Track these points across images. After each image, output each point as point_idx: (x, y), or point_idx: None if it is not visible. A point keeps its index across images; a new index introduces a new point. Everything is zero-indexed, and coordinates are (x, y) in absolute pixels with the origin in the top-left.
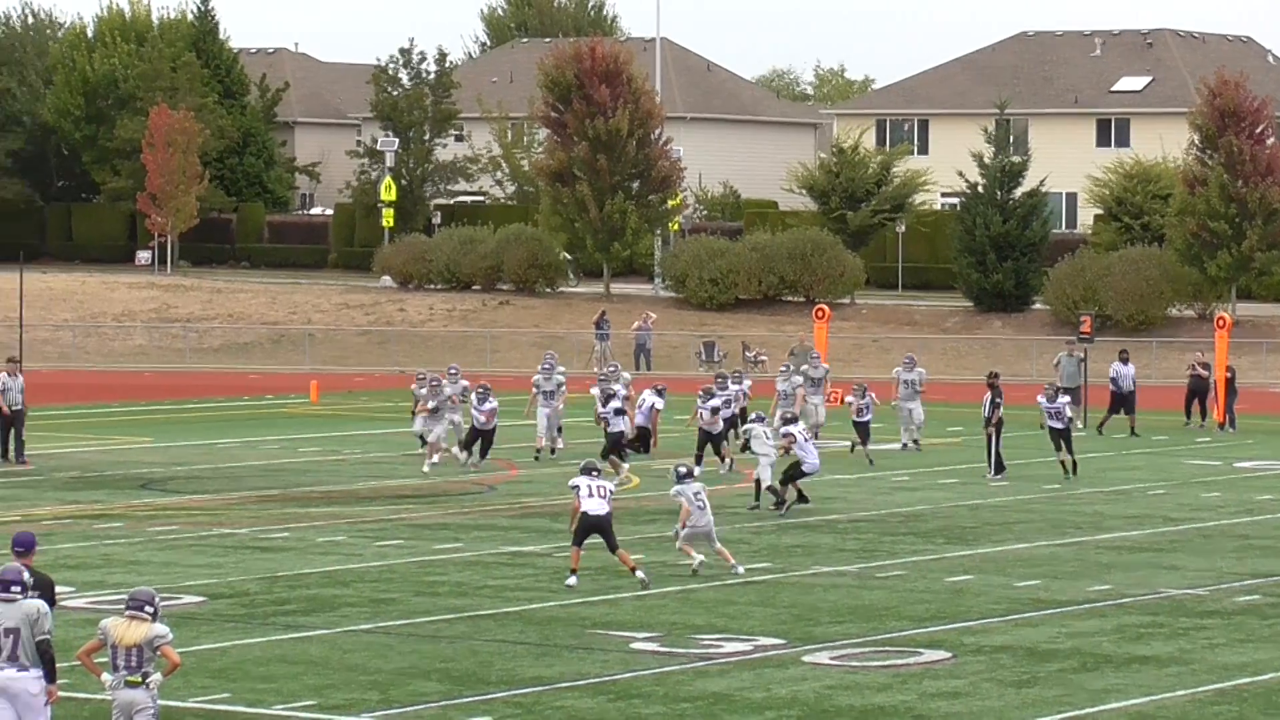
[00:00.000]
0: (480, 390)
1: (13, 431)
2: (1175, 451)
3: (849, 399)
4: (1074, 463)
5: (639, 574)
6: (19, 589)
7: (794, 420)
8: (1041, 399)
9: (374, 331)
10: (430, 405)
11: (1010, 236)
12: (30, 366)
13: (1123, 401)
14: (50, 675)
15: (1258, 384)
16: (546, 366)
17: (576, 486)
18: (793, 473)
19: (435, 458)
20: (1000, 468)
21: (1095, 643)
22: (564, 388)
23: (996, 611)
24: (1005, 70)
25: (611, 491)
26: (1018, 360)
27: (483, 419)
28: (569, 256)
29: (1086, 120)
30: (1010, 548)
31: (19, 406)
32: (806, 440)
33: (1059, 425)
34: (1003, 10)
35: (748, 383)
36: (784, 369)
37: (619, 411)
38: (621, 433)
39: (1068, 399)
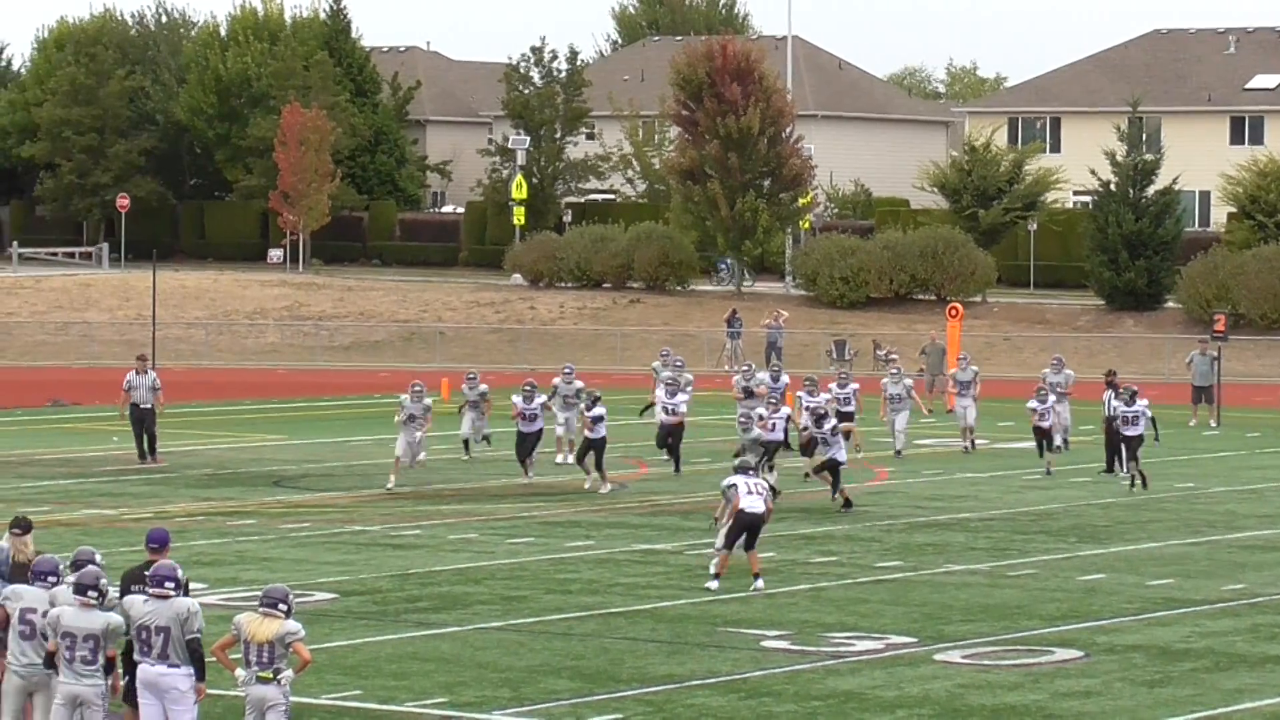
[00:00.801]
0: (590, 397)
1: (145, 429)
2: None
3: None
4: (1144, 477)
5: (759, 581)
6: (173, 585)
7: (825, 416)
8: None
9: (504, 330)
10: (400, 418)
11: (1143, 235)
12: (163, 364)
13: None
14: (199, 673)
15: None
16: (567, 370)
17: (734, 485)
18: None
19: (391, 480)
20: (1111, 468)
21: (1229, 642)
22: (582, 393)
23: (1129, 610)
24: (1138, 68)
25: (771, 490)
26: (1150, 359)
27: (588, 430)
28: (725, 264)
29: (1220, 118)
30: (1143, 546)
31: (148, 405)
32: (834, 436)
33: (1133, 432)
34: (1136, 7)
35: (854, 386)
36: (894, 371)
37: (598, 420)
38: (603, 439)
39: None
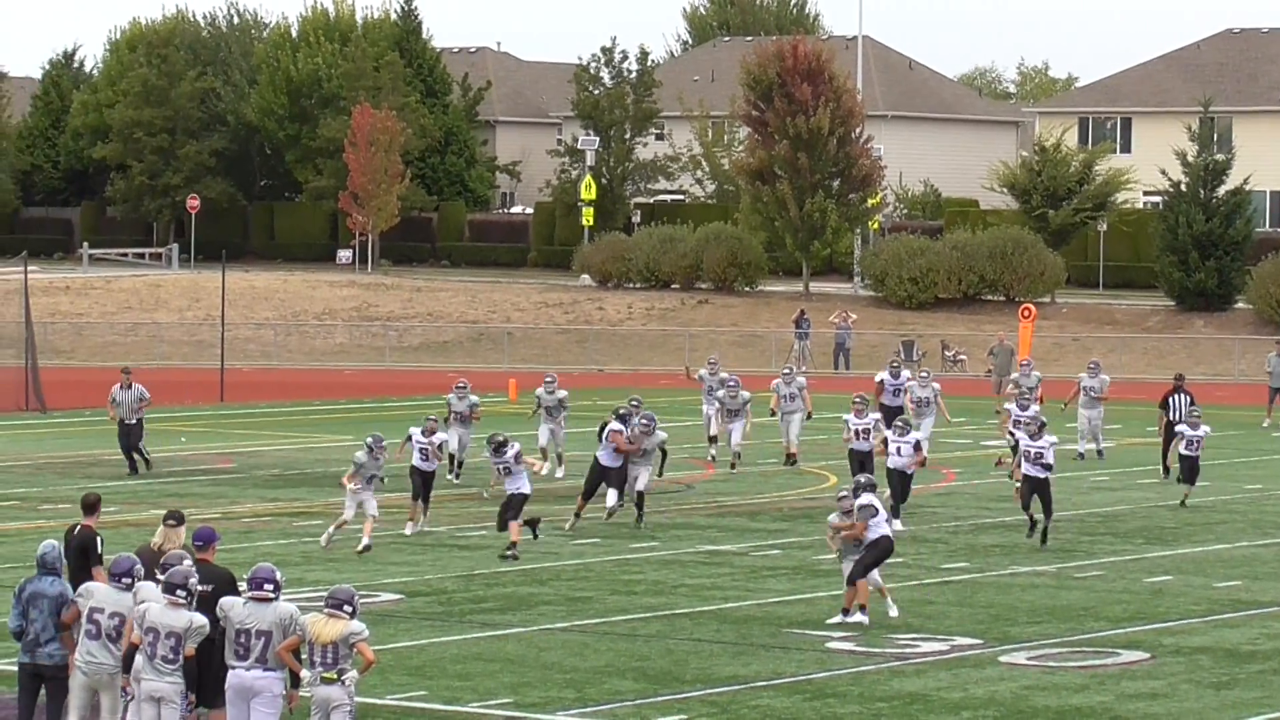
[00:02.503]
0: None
1: (131, 444)
2: None
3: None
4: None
5: (858, 616)
6: (272, 588)
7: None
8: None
9: (573, 330)
10: (350, 486)
11: (1213, 235)
12: (232, 364)
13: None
14: (295, 680)
15: None
16: (549, 380)
17: (871, 507)
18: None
19: (409, 528)
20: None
21: None
22: (565, 403)
23: (1196, 612)
24: (1210, 68)
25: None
26: (1220, 360)
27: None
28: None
29: None
30: (1210, 548)
31: (133, 421)
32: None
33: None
34: (1209, 6)
35: (874, 416)
36: (924, 374)
37: (508, 470)
38: (524, 495)
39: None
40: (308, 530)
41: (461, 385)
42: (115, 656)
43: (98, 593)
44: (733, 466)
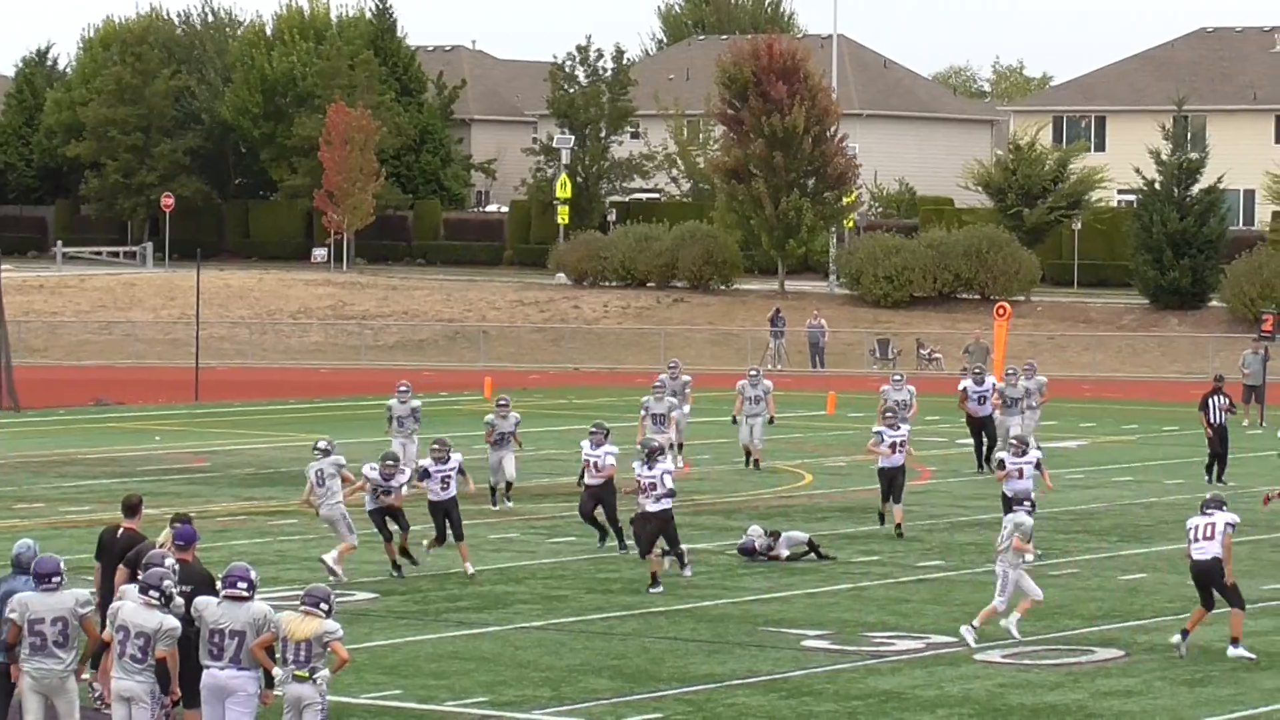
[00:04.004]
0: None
1: None
2: None
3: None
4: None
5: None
6: (246, 586)
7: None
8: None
9: (548, 329)
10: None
11: (1187, 233)
12: (207, 363)
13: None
14: (269, 679)
15: None
16: (501, 403)
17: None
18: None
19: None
20: (1220, 474)
21: (1270, 641)
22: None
23: (1170, 610)
24: (1184, 66)
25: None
26: (1194, 358)
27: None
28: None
29: (1265, 117)
30: (1185, 546)
31: None
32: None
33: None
34: (1182, 5)
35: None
36: (896, 377)
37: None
38: (454, 498)
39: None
40: (282, 529)
41: (403, 388)
42: (63, 660)
43: (32, 603)
44: (680, 449)
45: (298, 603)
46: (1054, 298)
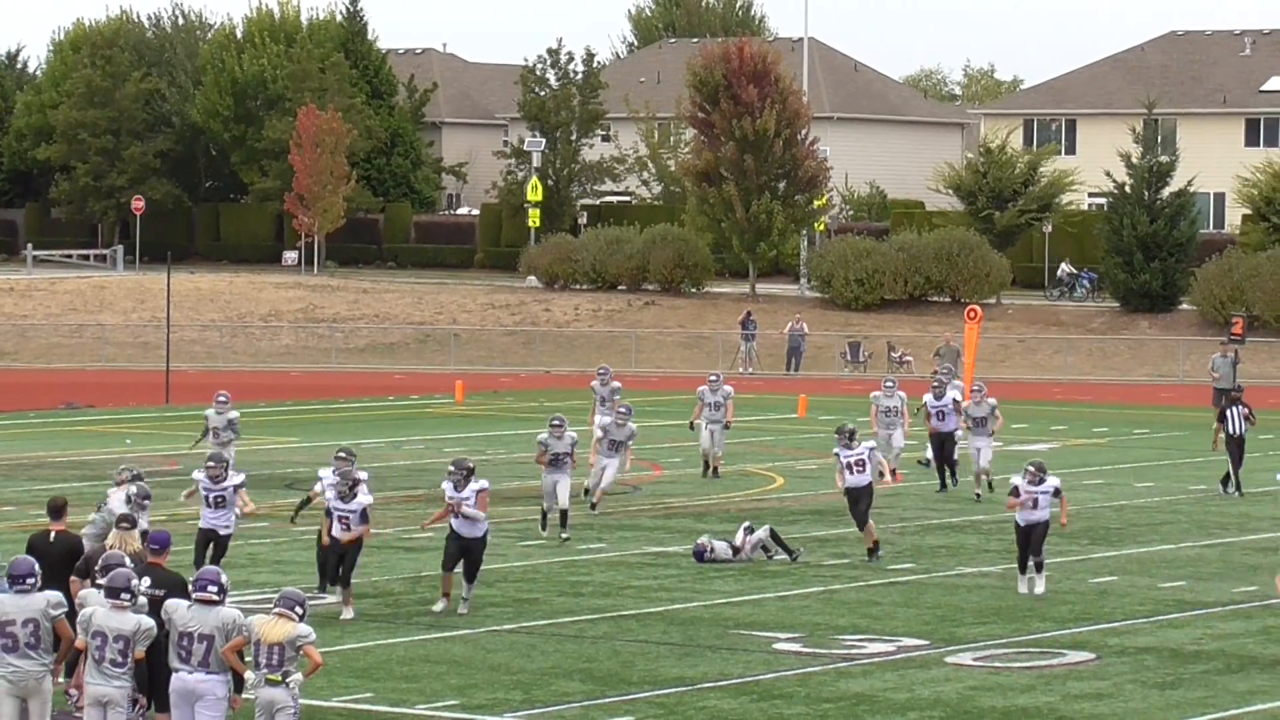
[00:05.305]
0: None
1: None
2: None
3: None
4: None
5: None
6: (216, 590)
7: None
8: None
9: (519, 332)
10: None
11: (1158, 237)
12: (177, 366)
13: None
14: (237, 684)
15: None
16: (555, 423)
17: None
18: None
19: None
20: (1239, 485)
21: (1240, 644)
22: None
23: (1141, 613)
24: (1154, 70)
25: None
26: (1165, 361)
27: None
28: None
29: (1235, 120)
30: (1155, 549)
31: None
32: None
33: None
34: (1152, 9)
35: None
36: (888, 384)
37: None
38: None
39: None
40: (253, 532)
41: (222, 398)
42: (39, 662)
43: (4, 604)
44: (593, 507)
45: (271, 605)
46: (1025, 300)
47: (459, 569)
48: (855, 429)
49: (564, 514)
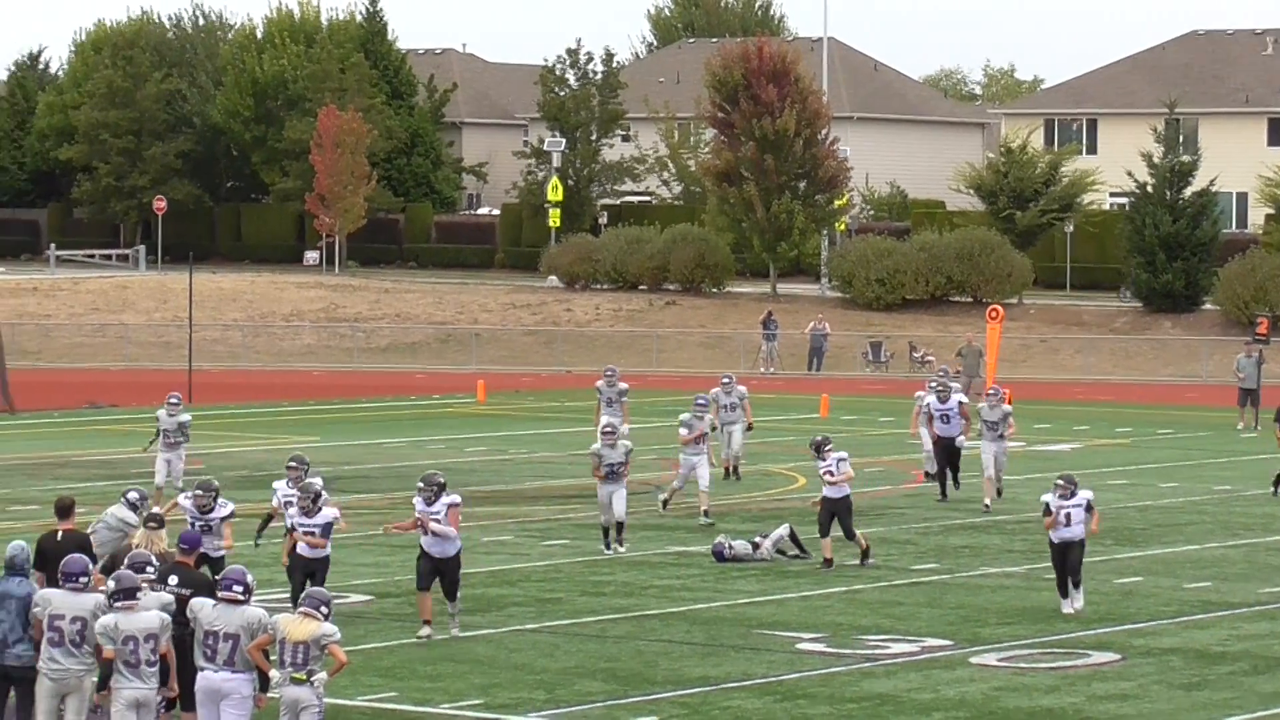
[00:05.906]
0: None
1: None
2: None
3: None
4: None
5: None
6: (242, 590)
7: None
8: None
9: (540, 331)
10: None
11: (1180, 236)
12: (199, 366)
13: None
14: (263, 683)
15: None
16: (607, 431)
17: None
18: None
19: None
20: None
21: (1266, 645)
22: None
23: (1166, 613)
24: (1175, 69)
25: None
26: (1187, 361)
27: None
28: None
29: (1258, 119)
30: (1180, 549)
31: None
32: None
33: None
34: (1174, 8)
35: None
36: (933, 383)
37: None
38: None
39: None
40: (276, 531)
41: (174, 400)
42: (82, 661)
43: (55, 599)
44: (664, 505)
45: (296, 604)
46: (1046, 301)
47: (437, 589)
48: (825, 439)
49: (620, 525)
